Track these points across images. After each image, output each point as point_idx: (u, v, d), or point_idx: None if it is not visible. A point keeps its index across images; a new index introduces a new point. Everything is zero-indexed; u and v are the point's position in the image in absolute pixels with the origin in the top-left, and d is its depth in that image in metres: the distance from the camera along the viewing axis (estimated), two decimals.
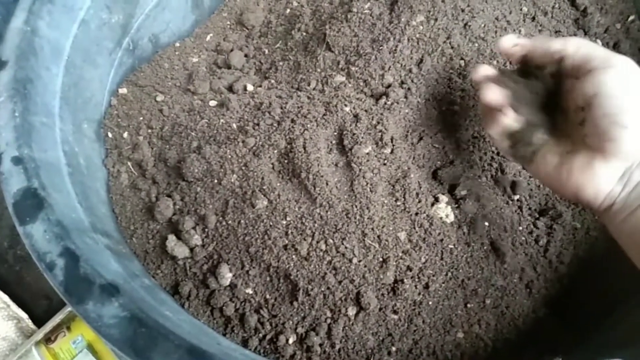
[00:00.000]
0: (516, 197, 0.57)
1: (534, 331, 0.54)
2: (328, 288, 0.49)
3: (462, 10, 0.58)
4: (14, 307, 0.75)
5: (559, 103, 0.46)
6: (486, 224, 0.55)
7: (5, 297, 0.75)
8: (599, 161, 0.41)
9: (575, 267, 0.57)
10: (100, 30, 0.60)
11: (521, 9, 0.64)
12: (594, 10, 0.67)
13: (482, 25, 0.59)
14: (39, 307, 0.79)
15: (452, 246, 0.53)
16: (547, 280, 0.55)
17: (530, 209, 0.58)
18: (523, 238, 0.56)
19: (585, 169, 0.42)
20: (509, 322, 0.53)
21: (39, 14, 0.53)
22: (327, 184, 0.49)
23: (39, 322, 0.75)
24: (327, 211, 0.49)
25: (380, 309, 0.51)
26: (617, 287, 0.54)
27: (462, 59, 0.58)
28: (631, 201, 0.41)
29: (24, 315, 0.75)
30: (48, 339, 0.72)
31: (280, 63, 0.65)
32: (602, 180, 0.41)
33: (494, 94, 0.45)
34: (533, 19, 0.64)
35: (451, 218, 0.53)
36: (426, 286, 0.51)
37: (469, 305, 0.53)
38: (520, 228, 0.56)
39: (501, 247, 0.54)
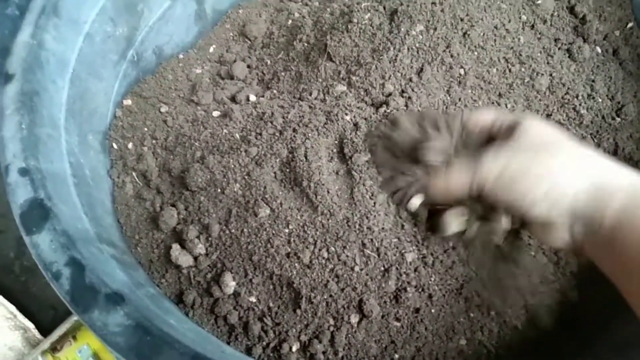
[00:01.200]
0: None
1: (536, 338, 0.54)
2: (331, 296, 0.50)
3: (461, 20, 0.59)
4: (20, 317, 0.75)
5: None
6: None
7: (12, 307, 0.76)
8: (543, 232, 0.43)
9: (577, 274, 0.57)
10: (105, 43, 0.61)
11: (520, 18, 0.64)
12: (592, 18, 0.68)
13: (482, 34, 0.59)
14: (45, 317, 0.79)
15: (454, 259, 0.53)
16: (550, 288, 0.56)
17: None
18: (526, 249, 0.56)
19: (541, 236, 0.44)
20: (512, 329, 0.54)
21: (45, 27, 0.54)
22: (328, 192, 0.49)
23: (45, 332, 0.76)
24: (328, 219, 0.49)
25: (382, 317, 0.51)
26: (619, 294, 0.54)
27: (461, 67, 0.58)
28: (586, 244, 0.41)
29: (30, 325, 0.76)
30: (54, 348, 0.73)
31: (282, 73, 0.66)
32: (557, 243, 0.43)
33: None
34: (532, 27, 0.65)
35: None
36: (429, 296, 0.52)
37: (471, 314, 0.53)
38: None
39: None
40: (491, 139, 0.47)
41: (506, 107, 0.60)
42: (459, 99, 0.58)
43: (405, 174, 0.48)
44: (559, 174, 0.40)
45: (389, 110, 0.54)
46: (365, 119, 0.54)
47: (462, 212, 0.48)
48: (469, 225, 0.49)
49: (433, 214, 0.50)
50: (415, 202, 0.48)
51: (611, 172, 0.40)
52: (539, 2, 0.66)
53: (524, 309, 0.54)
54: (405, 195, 0.49)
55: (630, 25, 0.70)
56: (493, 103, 0.59)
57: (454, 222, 0.48)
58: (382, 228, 0.51)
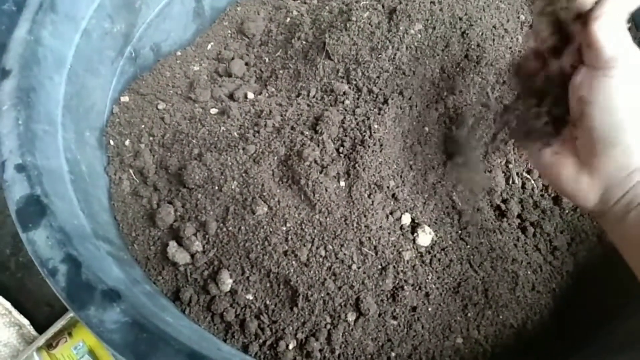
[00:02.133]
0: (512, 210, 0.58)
1: (533, 337, 0.54)
2: (328, 294, 0.50)
3: (460, 19, 0.59)
4: (15, 313, 0.75)
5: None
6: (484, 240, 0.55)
7: (7, 304, 0.75)
8: (585, 176, 0.41)
9: (573, 274, 0.58)
10: (103, 39, 0.61)
11: (519, 17, 0.64)
12: None
13: (480, 33, 0.59)
14: (40, 313, 0.79)
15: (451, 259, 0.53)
16: (546, 287, 0.56)
17: (528, 221, 0.58)
18: (523, 249, 0.56)
19: (573, 180, 0.41)
20: (508, 328, 0.54)
21: (42, 23, 0.53)
22: (325, 190, 0.49)
23: (40, 328, 0.76)
24: (326, 217, 0.49)
25: (379, 315, 0.51)
26: (614, 294, 0.54)
27: (459, 66, 0.58)
28: (620, 209, 0.40)
29: (25, 321, 0.76)
30: (49, 345, 0.73)
31: (281, 71, 0.66)
32: (588, 194, 0.41)
33: None
34: (531, 27, 0.65)
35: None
36: (426, 294, 0.52)
37: (468, 314, 0.53)
38: (520, 242, 0.57)
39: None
40: None
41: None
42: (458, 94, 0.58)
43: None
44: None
45: (388, 110, 0.54)
46: (365, 117, 0.54)
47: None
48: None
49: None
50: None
51: None
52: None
53: (521, 309, 0.54)
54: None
55: (627, 26, 0.70)
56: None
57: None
58: (380, 226, 0.51)
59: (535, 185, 0.59)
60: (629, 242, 0.41)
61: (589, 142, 0.39)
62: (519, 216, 0.58)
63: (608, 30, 0.36)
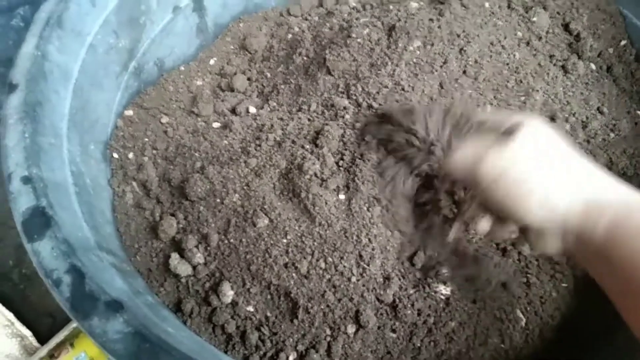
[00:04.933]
0: None
1: (534, 350, 0.55)
2: (328, 306, 0.50)
3: (458, 36, 0.60)
4: (18, 324, 0.76)
5: None
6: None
7: (10, 315, 0.76)
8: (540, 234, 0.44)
9: (573, 287, 0.58)
10: (108, 54, 0.62)
11: (516, 34, 0.66)
12: (587, 35, 0.69)
13: (478, 50, 0.60)
14: (42, 325, 0.79)
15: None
16: (548, 301, 0.56)
17: None
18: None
19: (534, 242, 0.45)
20: (509, 341, 0.54)
21: (49, 39, 0.55)
22: (326, 203, 0.50)
23: (42, 340, 0.76)
24: (326, 230, 0.50)
25: (379, 327, 0.52)
26: (613, 307, 0.55)
27: (457, 82, 0.59)
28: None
29: (27, 333, 0.76)
30: (52, 356, 0.73)
31: (282, 86, 0.67)
32: (550, 250, 0.44)
33: None
34: (527, 43, 0.66)
35: None
36: (428, 307, 0.52)
37: (466, 327, 0.53)
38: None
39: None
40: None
41: None
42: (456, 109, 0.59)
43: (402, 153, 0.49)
44: (555, 188, 0.41)
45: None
46: None
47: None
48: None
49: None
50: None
51: (604, 188, 0.41)
52: (534, 19, 0.67)
53: (522, 330, 0.55)
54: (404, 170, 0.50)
55: (623, 43, 0.71)
56: None
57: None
58: (379, 240, 0.51)
59: None
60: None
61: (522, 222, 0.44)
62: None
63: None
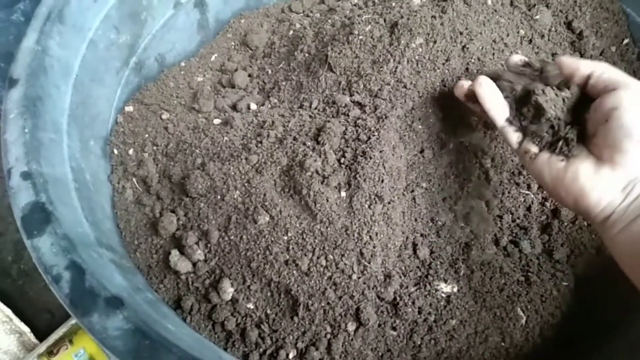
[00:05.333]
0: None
1: (534, 350, 0.54)
2: (328, 303, 0.50)
3: (460, 33, 0.59)
4: (16, 320, 0.75)
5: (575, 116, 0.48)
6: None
7: (8, 311, 0.75)
8: (607, 170, 0.43)
9: (573, 287, 0.58)
10: (109, 50, 0.62)
11: (518, 32, 0.65)
12: (589, 34, 0.69)
13: (480, 47, 0.60)
14: (41, 321, 0.79)
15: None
16: (547, 301, 0.56)
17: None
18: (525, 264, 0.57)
19: (591, 175, 0.44)
20: (509, 339, 0.54)
21: (50, 34, 0.54)
22: (327, 201, 0.50)
23: (41, 336, 0.76)
24: (327, 227, 0.50)
25: (379, 325, 0.52)
26: (614, 305, 0.55)
27: (460, 80, 0.59)
28: (630, 212, 0.43)
29: (26, 329, 0.76)
30: (50, 352, 0.73)
31: (283, 83, 0.66)
32: (606, 187, 0.44)
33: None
34: (530, 41, 0.66)
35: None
36: (429, 305, 0.52)
37: (466, 325, 0.53)
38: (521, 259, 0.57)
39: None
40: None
41: None
42: (458, 107, 0.58)
43: None
44: None
45: (389, 122, 0.55)
46: (366, 129, 0.55)
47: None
48: None
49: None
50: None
51: None
52: (537, 17, 0.67)
53: (523, 328, 0.54)
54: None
55: (626, 41, 0.71)
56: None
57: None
58: (381, 237, 0.51)
59: (534, 198, 0.60)
60: (631, 246, 0.42)
61: (613, 142, 0.43)
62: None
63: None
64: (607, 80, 0.46)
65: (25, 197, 0.45)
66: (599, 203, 0.44)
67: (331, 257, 0.50)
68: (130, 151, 0.62)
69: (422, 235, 0.56)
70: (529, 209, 0.60)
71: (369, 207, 0.50)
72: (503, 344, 0.54)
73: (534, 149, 0.48)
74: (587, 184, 0.44)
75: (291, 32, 0.72)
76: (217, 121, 0.62)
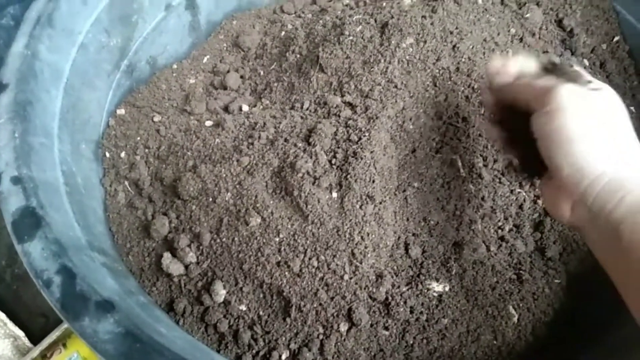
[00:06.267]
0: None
1: (525, 349, 0.55)
2: (320, 304, 0.50)
3: (451, 33, 0.60)
4: (10, 325, 0.75)
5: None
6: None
7: (2, 315, 0.75)
8: (554, 183, 0.44)
9: (565, 285, 0.58)
10: (99, 53, 0.62)
11: (509, 31, 0.65)
12: (580, 31, 0.69)
13: (471, 46, 0.60)
14: (35, 325, 0.79)
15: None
16: (540, 300, 0.56)
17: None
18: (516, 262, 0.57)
19: (552, 195, 0.45)
20: (502, 338, 0.54)
21: (40, 38, 0.54)
22: (318, 202, 0.50)
23: (35, 340, 0.76)
24: (318, 228, 0.50)
25: (371, 325, 0.52)
26: (606, 304, 0.55)
27: (451, 79, 0.59)
28: (593, 215, 0.42)
29: (20, 333, 0.75)
30: (44, 356, 0.73)
31: (275, 84, 0.66)
32: (563, 208, 0.44)
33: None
34: (521, 40, 0.66)
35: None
36: (421, 304, 0.52)
37: (459, 324, 0.53)
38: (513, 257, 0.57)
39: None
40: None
41: None
42: (449, 107, 0.59)
43: None
44: (596, 149, 0.41)
45: (380, 122, 0.55)
46: (357, 129, 0.55)
47: None
48: None
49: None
50: None
51: (635, 167, 0.41)
52: (528, 15, 0.67)
53: (515, 326, 0.55)
54: None
55: (616, 39, 0.71)
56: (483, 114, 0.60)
57: None
58: (372, 238, 0.51)
59: (526, 196, 0.60)
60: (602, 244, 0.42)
61: (552, 168, 0.43)
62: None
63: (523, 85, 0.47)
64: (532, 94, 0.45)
65: (15, 202, 0.45)
66: (564, 214, 0.44)
67: (323, 257, 0.50)
68: (122, 154, 0.62)
69: (413, 234, 0.56)
70: (521, 207, 0.60)
71: (361, 207, 0.50)
72: (495, 342, 0.54)
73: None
74: (547, 200, 0.47)
75: (283, 33, 0.72)
76: (208, 123, 0.62)
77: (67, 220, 0.49)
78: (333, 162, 0.53)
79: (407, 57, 0.58)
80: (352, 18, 0.63)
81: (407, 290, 0.52)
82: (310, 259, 0.50)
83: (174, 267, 0.52)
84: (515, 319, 0.54)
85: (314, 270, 0.50)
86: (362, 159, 0.52)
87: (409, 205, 0.57)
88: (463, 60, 0.60)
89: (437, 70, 0.59)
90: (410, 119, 0.58)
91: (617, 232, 0.38)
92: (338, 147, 0.53)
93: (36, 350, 0.72)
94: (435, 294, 0.53)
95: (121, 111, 0.65)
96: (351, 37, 0.61)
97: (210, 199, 0.53)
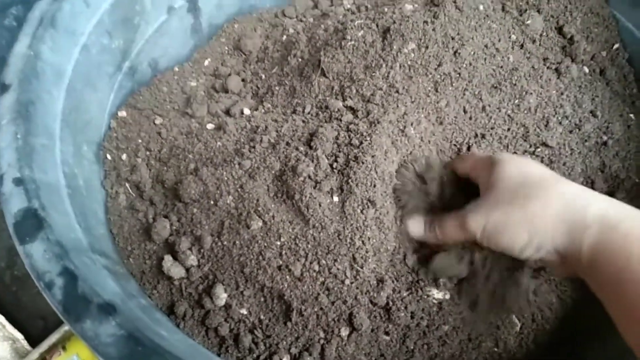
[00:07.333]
0: None
1: (526, 355, 0.55)
2: (321, 308, 0.50)
3: (452, 39, 0.60)
4: (9, 327, 0.75)
5: None
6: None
7: (1, 318, 0.75)
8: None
9: (565, 292, 0.58)
10: (101, 55, 0.62)
11: (510, 37, 0.66)
12: (580, 39, 0.69)
13: (472, 52, 0.60)
14: (34, 327, 0.79)
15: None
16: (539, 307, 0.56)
17: None
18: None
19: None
20: (503, 345, 0.54)
21: (42, 39, 0.54)
22: (319, 206, 0.50)
23: (34, 342, 0.75)
24: (319, 232, 0.50)
25: (372, 330, 0.52)
26: (605, 310, 0.55)
27: (452, 85, 0.59)
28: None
29: (19, 335, 0.75)
30: (43, 359, 0.72)
31: (277, 88, 0.67)
32: (560, 274, 0.48)
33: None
34: (521, 46, 0.66)
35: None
36: (421, 310, 0.52)
37: (459, 331, 0.54)
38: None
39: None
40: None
41: (495, 123, 0.61)
42: (449, 115, 0.59)
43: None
44: (535, 220, 0.42)
45: (381, 127, 0.55)
46: (359, 133, 0.55)
47: (457, 255, 0.52)
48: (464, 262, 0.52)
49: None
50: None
51: (582, 208, 0.42)
52: (529, 22, 0.67)
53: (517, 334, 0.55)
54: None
55: (616, 46, 0.72)
56: (482, 121, 0.61)
57: (450, 267, 0.52)
58: (373, 242, 0.51)
59: None
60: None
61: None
62: None
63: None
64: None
65: (17, 204, 0.45)
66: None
67: (324, 262, 0.50)
68: (124, 156, 0.62)
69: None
70: None
71: (361, 212, 0.50)
72: (496, 349, 0.54)
73: None
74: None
75: (284, 37, 0.72)
76: (210, 126, 0.62)
77: (69, 222, 0.49)
78: (334, 166, 0.53)
79: (409, 62, 0.59)
80: (353, 23, 0.63)
81: (408, 295, 0.52)
82: (311, 263, 0.50)
83: (175, 270, 0.52)
84: (517, 328, 0.54)
85: (315, 274, 0.50)
86: (363, 163, 0.52)
87: None
88: (464, 66, 0.60)
89: (439, 76, 0.59)
90: (412, 124, 0.58)
91: (590, 274, 0.41)
92: (339, 151, 0.54)
93: (35, 353, 0.72)
94: (435, 301, 0.53)
95: (122, 113, 0.65)
96: (353, 42, 0.61)
97: (212, 202, 0.53)
